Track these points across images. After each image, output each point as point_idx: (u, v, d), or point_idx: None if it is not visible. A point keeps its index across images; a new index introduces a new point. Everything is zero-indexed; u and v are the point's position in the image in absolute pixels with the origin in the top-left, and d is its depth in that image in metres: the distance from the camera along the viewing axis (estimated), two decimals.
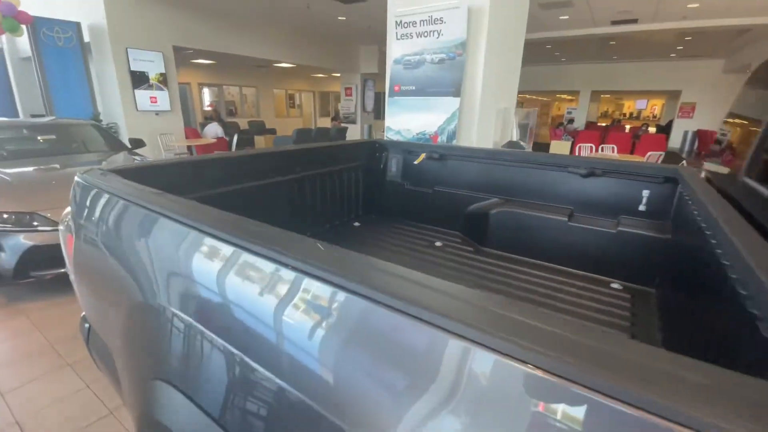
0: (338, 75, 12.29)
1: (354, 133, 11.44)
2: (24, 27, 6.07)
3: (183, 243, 0.61)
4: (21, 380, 1.89)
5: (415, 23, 2.92)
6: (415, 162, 2.02)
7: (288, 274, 0.47)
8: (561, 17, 7.83)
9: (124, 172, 1.02)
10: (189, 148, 7.40)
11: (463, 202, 1.86)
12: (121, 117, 6.63)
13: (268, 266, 0.50)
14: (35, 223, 2.63)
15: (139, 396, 0.65)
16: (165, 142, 7.00)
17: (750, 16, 7.06)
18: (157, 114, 6.99)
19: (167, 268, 0.63)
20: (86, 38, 6.60)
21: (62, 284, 2.83)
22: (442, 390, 0.34)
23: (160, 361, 0.60)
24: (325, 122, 14.89)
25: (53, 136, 4.00)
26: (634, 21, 8.11)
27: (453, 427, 0.33)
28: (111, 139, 4.37)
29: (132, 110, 6.65)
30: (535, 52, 11.77)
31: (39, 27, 6.14)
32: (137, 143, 4.53)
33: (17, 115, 8.57)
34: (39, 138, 3.97)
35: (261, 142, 10.76)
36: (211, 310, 0.55)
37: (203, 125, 9.62)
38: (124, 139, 5.80)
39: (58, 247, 2.56)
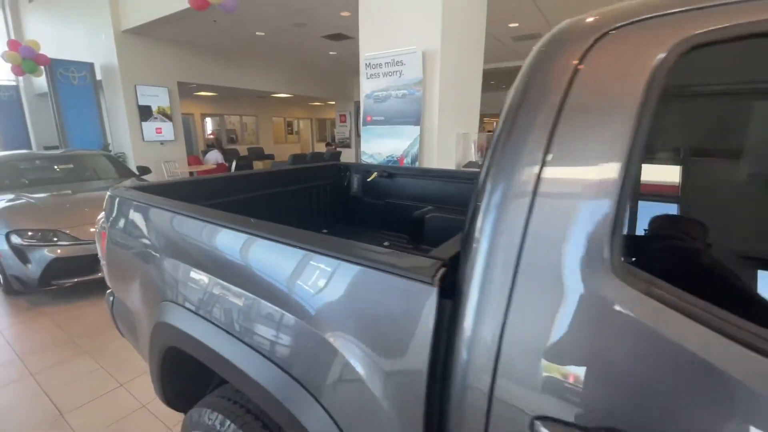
0: (333, 103, 13.01)
1: (349, 156, 12.02)
2: (42, 67, 6.73)
3: (180, 224, 1.06)
4: (47, 364, 2.30)
5: (381, 65, 3.45)
6: (368, 179, 2.49)
7: (234, 235, 0.91)
8: (534, 47, 8.49)
9: (142, 188, 1.47)
10: (191, 173, 7.94)
11: (407, 211, 2.31)
12: (129, 147, 7.19)
13: (227, 232, 0.94)
14: (56, 239, 3.08)
15: (152, 314, 1.08)
16: (169, 169, 7.55)
17: None
18: (162, 143, 7.56)
19: (171, 237, 1.08)
20: (98, 76, 7.24)
21: (78, 291, 3.26)
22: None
23: (165, 291, 1.04)
24: (323, 147, 15.51)
25: (70, 166, 4.51)
26: None
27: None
28: (120, 167, 4.88)
29: (139, 140, 7.21)
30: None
31: (56, 68, 6.78)
32: (144, 170, 5.04)
33: (30, 146, 9.19)
34: (57, 167, 4.48)
35: (259, 167, 11.33)
36: (196, 257, 0.99)
37: (205, 152, 10.22)
38: (132, 166, 6.34)
39: (76, 259, 3.04)
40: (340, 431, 0.71)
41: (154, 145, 7.43)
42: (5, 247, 2.97)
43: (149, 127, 7.31)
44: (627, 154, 0.49)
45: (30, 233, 3.07)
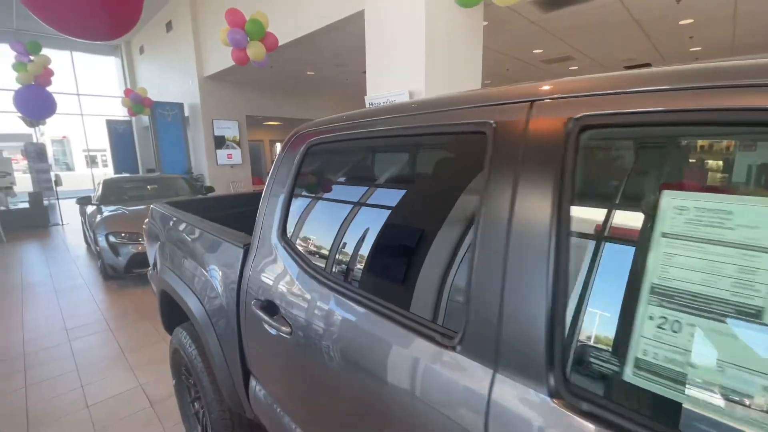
0: None
1: None
2: (147, 108, 8.57)
3: (168, 222, 1.86)
4: (120, 324, 3.30)
5: (380, 104, 4.17)
6: None
7: (186, 225, 1.67)
8: (570, 68, 8.61)
9: (173, 203, 2.34)
10: (254, 191, 9.27)
11: None
12: (206, 169, 8.72)
13: (183, 224, 1.71)
14: (139, 239, 4.21)
15: (163, 275, 1.89)
16: (235, 188, 8.96)
17: (751, 52, 7.22)
18: (231, 167, 9.01)
19: (167, 229, 1.89)
20: (186, 113, 8.95)
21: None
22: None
23: (164, 259, 1.84)
24: None
25: (156, 186, 5.86)
26: (648, 65, 8.56)
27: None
28: (193, 187, 6.16)
29: (213, 165, 8.71)
30: None
31: (156, 108, 8.57)
32: (209, 189, 6.29)
33: (138, 168, 11.41)
34: (149, 187, 5.85)
35: None
36: (175, 238, 1.78)
37: None
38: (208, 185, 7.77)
39: None
40: (216, 334, 1.41)
41: (225, 168, 8.89)
42: (105, 244, 4.16)
43: (222, 154, 8.79)
44: (291, 186, 1.14)
45: (122, 234, 4.24)
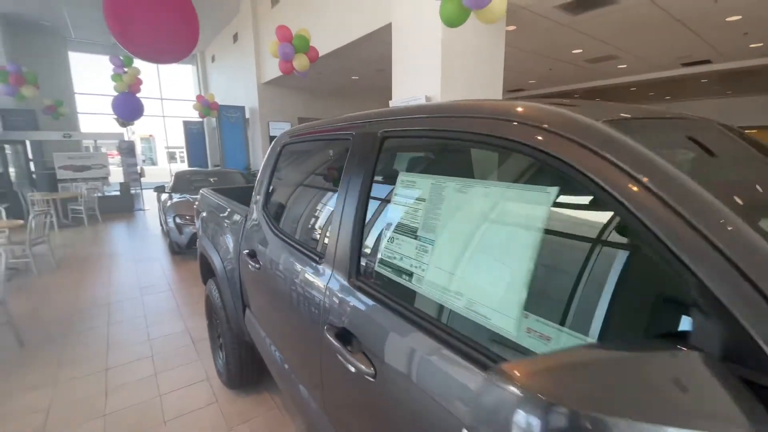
0: None
1: None
2: (214, 111, 9.76)
3: (206, 201, 2.49)
4: (180, 287, 4.10)
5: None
6: None
7: (214, 202, 2.27)
8: (619, 66, 8.34)
9: (216, 190, 3.01)
10: None
11: None
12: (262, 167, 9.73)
13: (213, 202, 2.31)
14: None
15: (201, 242, 2.52)
16: None
17: None
18: None
19: (206, 207, 2.53)
20: (247, 116, 10.04)
21: None
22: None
23: (204, 229, 2.47)
24: None
25: (217, 178, 6.81)
26: (707, 62, 8.04)
27: None
28: (248, 180, 7.05)
29: None
30: (622, 96, 11.80)
31: (222, 111, 9.72)
32: None
33: (207, 164, 12.88)
34: (211, 179, 6.82)
35: None
36: (210, 214, 2.40)
37: None
38: None
39: None
40: (227, 278, 1.98)
41: None
42: (172, 224, 5.07)
43: None
44: (271, 172, 1.66)
45: (187, 217, 5.12)
